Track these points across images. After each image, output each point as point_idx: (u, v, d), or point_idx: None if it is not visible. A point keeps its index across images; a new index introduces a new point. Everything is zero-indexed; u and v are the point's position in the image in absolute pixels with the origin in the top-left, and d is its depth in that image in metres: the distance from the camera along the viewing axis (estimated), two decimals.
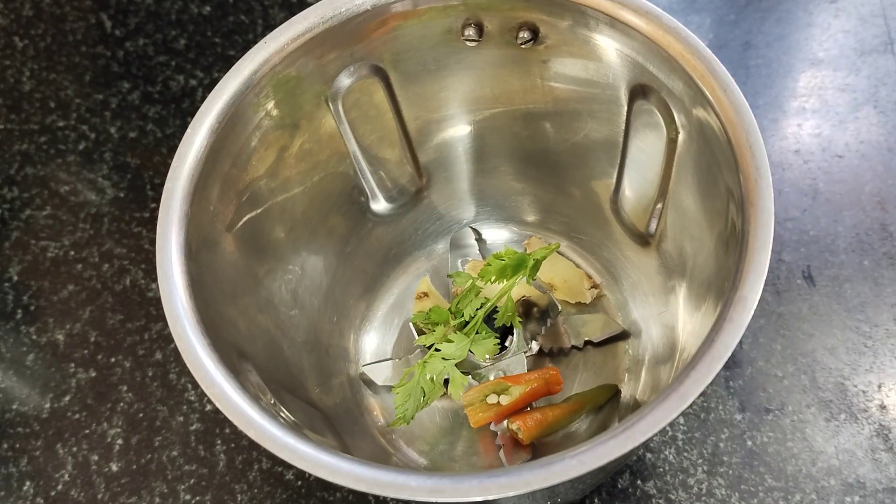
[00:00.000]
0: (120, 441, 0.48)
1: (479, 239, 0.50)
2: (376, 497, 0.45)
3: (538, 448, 0.43)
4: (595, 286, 0.48)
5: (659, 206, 0.41)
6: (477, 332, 0.43)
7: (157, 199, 0.43)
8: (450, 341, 0.42)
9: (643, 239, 0.44)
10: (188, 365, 0.31)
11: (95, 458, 0.47)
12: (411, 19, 0.38)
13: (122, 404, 0.49)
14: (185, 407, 0.48)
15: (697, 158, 0.36)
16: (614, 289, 0.48)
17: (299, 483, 0.46)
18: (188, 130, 0.35)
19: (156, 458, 0.47)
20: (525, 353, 0.45)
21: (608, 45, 0.37)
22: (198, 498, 0.46)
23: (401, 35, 0.39)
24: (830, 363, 0.46)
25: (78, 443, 0.48)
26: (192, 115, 0.36)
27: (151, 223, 0.54)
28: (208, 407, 0.48)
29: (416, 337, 0.46)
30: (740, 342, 0.28)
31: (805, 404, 0.45)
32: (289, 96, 0.38)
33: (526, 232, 0.51)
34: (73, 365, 0.50)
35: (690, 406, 0.30)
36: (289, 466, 0.46)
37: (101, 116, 0.59)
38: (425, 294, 0.48)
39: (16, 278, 0.54)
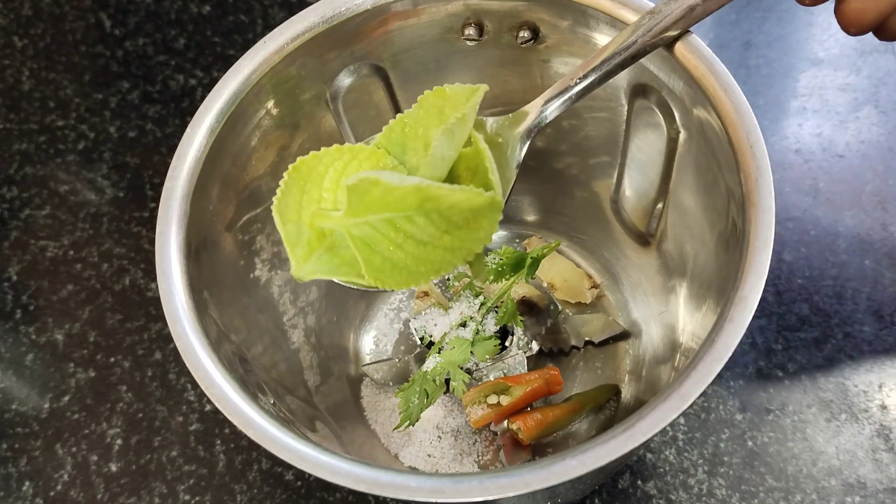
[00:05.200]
0: (119, 441, 0.48)
1: None
2: (376, 497, 0.45)
3: (538, 448, 0.43)
4: (595, 286, 0.48)
5: (659, 205, 0.41)
6: (477, 333, 0.43)
7: (157, 199, 0.43)
8: (451, 347, 0.42)
9: (643, 239, 0.44)
10: (188, 365, 0.30)
11: (95, 458, 0.47)
12: (411, 19, 0.38)
13: (121, 404, 0.49)
14: (184, 407, 0.48)
15: (698, 158, 0.36)
16: (614, 289, 0.48)
17: (299, 483, 0.46)
18: (188, 130, 0.35)
19: (155, 459, 0.47)
20: (525, 353, 0.45)
21: None
22: (197, 498, 0.46)
23: (401, 34, 0.38)
24: (831, 363, 0.46)
25: (77, 443, 0.48)
26: (192, 114, 0.35)
27: (151, 223, 0.54)
28: (208, 407, 0.48)
29: (417, 337, 0.46)
30: (740, 342, 0.28)
31: (806, 404, 0.45)
32: (289, 96, 0.38)
33: (526, 232, 0.51)
34: (72, 365, 0.50)
35: (691, 406, 0.30)
36: (288, 467, 0.46)
37: (100, 116, 0.59)
38: (425, 293, 0.48)
39: (15, 278, 0.54)
